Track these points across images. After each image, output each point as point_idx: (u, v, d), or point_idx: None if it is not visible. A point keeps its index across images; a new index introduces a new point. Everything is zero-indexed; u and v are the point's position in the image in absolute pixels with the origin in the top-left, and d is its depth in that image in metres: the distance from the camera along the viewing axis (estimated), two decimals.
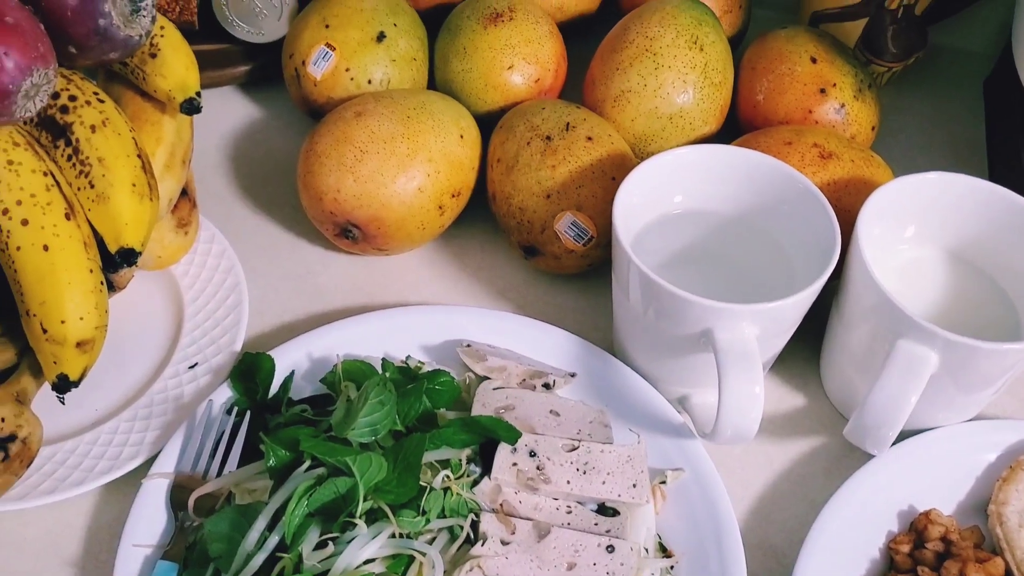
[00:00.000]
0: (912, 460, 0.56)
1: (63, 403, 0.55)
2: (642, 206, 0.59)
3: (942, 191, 0.58)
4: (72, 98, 0.55)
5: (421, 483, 0.50)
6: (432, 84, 0.73)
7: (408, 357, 0.59)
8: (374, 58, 0.69)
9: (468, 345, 0.60)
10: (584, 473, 0.53)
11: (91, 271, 0.52)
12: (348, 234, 0.64)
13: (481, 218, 0.69)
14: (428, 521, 0.50)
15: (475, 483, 0.53)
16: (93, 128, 0.54)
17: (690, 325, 0.53)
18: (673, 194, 0.61)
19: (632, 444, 0.55)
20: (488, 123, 0.69)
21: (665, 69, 0.66)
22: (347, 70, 0.68)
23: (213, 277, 0.65)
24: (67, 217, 0.52)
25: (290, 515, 0.48)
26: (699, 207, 0.61)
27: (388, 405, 0.52)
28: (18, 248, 0.51)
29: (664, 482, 0.55)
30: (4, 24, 0.47)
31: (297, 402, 0.57)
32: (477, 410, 0.56)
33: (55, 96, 0.54)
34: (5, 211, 0.51)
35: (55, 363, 0.52)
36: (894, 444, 0.55)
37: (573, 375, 0.59)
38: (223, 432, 0.56)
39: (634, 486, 0.53)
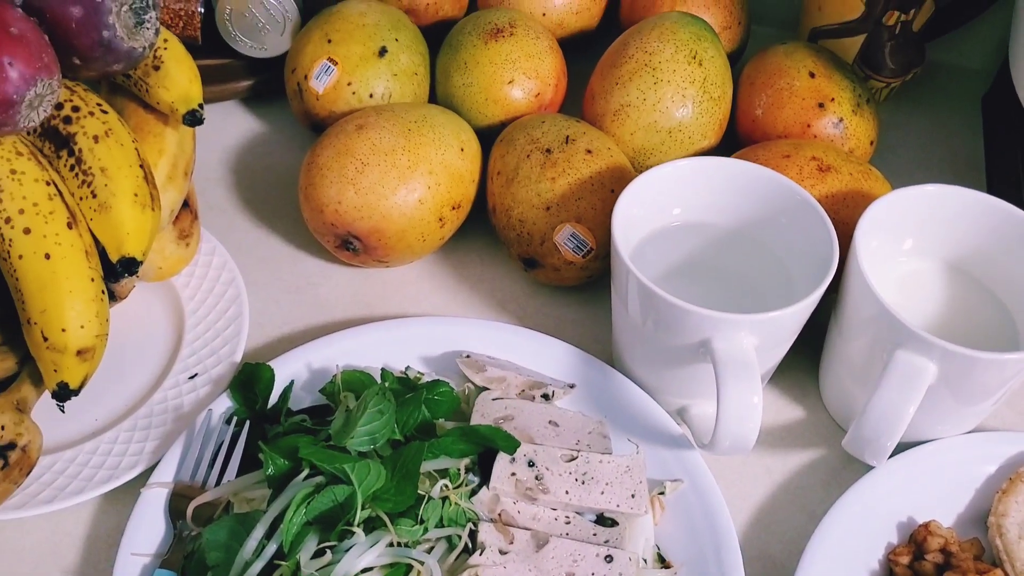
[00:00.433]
0: (912, 472, 0.56)
1: (63, 411, 0.55)
2: (641, 218, 0.59)
3: (939, 203, 0.58)
4: (75, 109, 0.55)
5: (419, 492, 0.50)
6: (433, 98, 0.74)
7: (407, 368, 0.59)
8: (376, 72, 0.69)
9: (467, 356, 0.60)
10: (583, 483, 0.53)
11: (92, 280, 0.52)
12: (349, 246, 0.64)
13: (481, 230, 0.69)
14: (426, 530, 0.50)
15: (473, 492, 0.53)
16: (96, 138, 0.54)
17: (689, 335, 0.53)
18: (672, 206, 0.61)
19: (631, 455, 0.55)
20: (489, 137, 0.69)
21: (664, 84, 0.67)
22: (349, 84, 0.69)
23: (214, 288, 0.65)
24: (69, 226, 0.52)
25: (288, 523, 0.48)
26: (698, 219, 0.61)
27: (387, 414, 0.52)
28: (20, 257, 0.51)
29: (663, 493, 0.55)
30: (9, 35, 0.48)
31: (296, 412, 0.57)
32: (476, 420, 0.56)
33: (58, 107, 0.55)
34: (8, 220, 0.51)
35: (55, 371, 0.52)
36: (893, 456, 0.55)
37: (572, 386, 0.59)
38: (222, 442, 0.56)
39: (633, 496, 0.53)
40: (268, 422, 0.57)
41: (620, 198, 0.57)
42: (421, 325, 0.62)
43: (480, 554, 0.50)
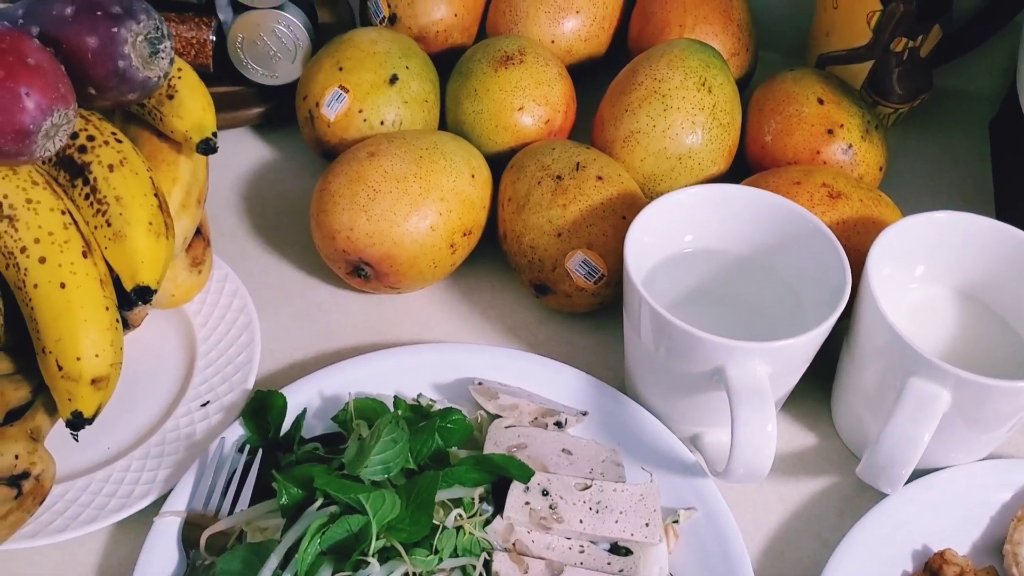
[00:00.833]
0: (926, 499, 0.56)
1: (76, 440, 0.55)
2: (653, 245, 0.59)
3: (950, 230, 0.58)
4: (90, 138, 0.55)
5: (434, 521, 0.50)
6: (444, 125, 0.74)
7: (420, 395, 0.59)
8: (387, 100, 0.70)
9: (480, 383, 0.60)
10: (597, 512, 0.53)
11: (107, 308, 0.52)
12: (360, 272, 0.64)
13: (492, 257, 0.70)
14: (441, 560, 0.50)
15: (488, 522, 0.53)
16: (111, 167, 0.55)
17: (702, 363, 0.53)
18: (684, 233, 0.61)
19: (645, 483, 0.55)
20: (499, 163, 0.69)
21: (674, 111, 0.67)
22: (360, 111, 0.69)
23: (226, 315, 0.65)
24: (84, 255, 0.52)
25: (303, 553, 0.48)
26: (710, 246, 0.61)
27: (401, 443, 0.52)
28: (35, 286, 0.52)
29: (677, 521, 0.55)
30: (26, 65, 0.48)
31: (308, 440, 0.57)
32: (489, 448, 0.56)
33: (74, 136, 0.55)
34: (23, 249, 0.52)
35: (70, 400, 0.52)
36: (908, 483, 0.55)
37: (585, 413, 0.59)
38: (235, 470, 0.56)
39: (647, 525, 0.53)
40: (281, 450, 0.57)
41: (632, 225, 0.57)
42: (433, 352, 0.62)
43: None
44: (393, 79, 0.70)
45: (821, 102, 0.69)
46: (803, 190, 0.63)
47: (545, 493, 0.54)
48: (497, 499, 0.54)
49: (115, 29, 0.51)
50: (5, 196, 0.52)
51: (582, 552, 0.53)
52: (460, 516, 0.51)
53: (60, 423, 0.56)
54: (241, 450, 0.57)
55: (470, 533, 0.51)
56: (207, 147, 0.59)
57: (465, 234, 0.65)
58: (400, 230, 0.62)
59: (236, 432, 0.58)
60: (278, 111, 0.79)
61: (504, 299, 0.69)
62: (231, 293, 0.66)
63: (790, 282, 0.60)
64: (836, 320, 0.53)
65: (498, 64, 0.71)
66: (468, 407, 0.59)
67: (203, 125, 0.59)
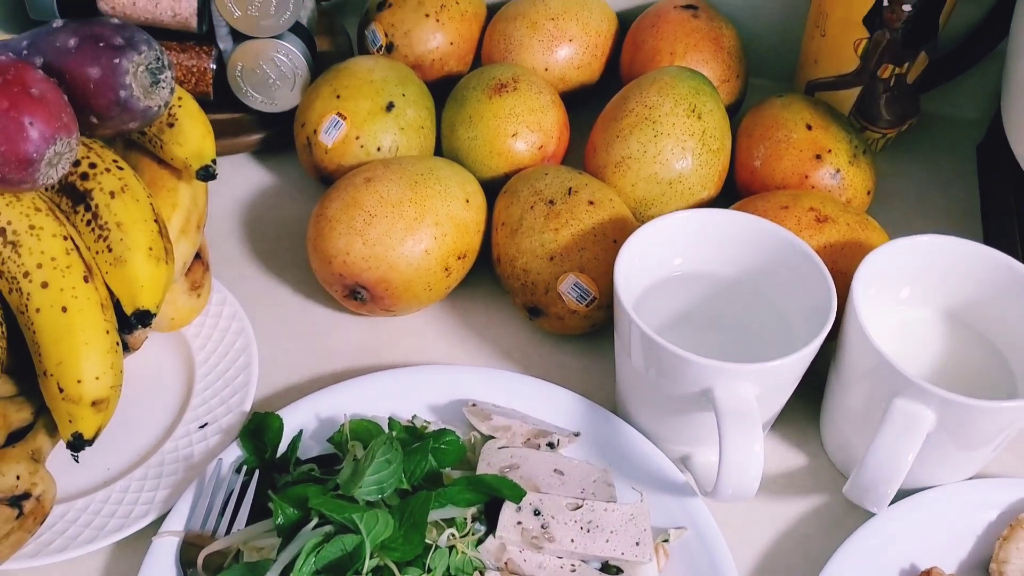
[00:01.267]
0: (913, 518, 0.56)
1: (77, 461, 0.56)
2: (643, 268, 0.60)
3: (935, 253, 0.59)
4: (92, 165, 0.57)
5: (427, 541, 0.51)
6: (439, 151, 0.75)
7: (414, 416, 0.60)
8: (383, 126, 0.71)
9: (473, 404, 0.61)
10: (588, 531, 0.54)
11: (107, 332, 0.53)
12: (356, 296, 0.65)
13: (486, 280, 0.71)
14: None
15: (480, 541, 0.53)
16: (112, 194, 0.56)
17: (691, 384, 0.54)
18: (673, 257, 0.62)
19: (635, 503, 0.56)
20: (493, 188, 0.71)
21: (664, 136, 0.68)
22: (357, 138, 0.71)
23: (224, 338, 0.66)
24: (85, 280, 0.53)
25: (298, 572, 0.48)
26: (699, 269, 0.63)
27: (395, 464, 0.53)
28: (37, 310, 0.53)
29: (667, 540, 0.55)
30: (30, 95, 0.49)
31: (305, 461, 0.58)
32: (482, 469, 0.57)
33: (76, 164, 0.57)
34: (26, 274, 0.53)
35: (70, 422, 0.53)
36: (895, 502, 0.56)
37: (577, 434, 0.60)
38: (232, 491, 0.56)
39: (637, 544, 0.54)
40: (277, 471, 0.57)
41: (622, 249, 0.58)
42: (427, 373, 0.63)
43: None
44: (389, 106, 0.72)
45: (809, 128, 0.71)
46: (791, 214, 0.64)
47: (537, 513, 0.54)
48: (489, 519, 0.54)
49: (117, 60, 0.52)
50: (9, 222, 0.53)
51: (573, 571, 0.53)
52: (453, 536, 0.52)
53: (61, 444, 0.57)
54: (238, 471, 0.57)
55: (463, 552, 0.52)
56: (207, 174, 0.60)
57: (460, 258, 0.67)
58: (396, 254, 0.64)
59: (234, 453, 0.59)
60: (277, 138, 0.80)
61: (498, 322, 0.70)
62: (229, 316, 0.67)
63: (778, 305, 0.61)
64: (822, 342, 0.54)
65: (492, 91, 0.72)
66: (462, 428, 0.59)
67: (203, 152, 0.60)
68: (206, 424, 0.61)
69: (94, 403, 0.53)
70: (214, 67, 0.78)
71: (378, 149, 0.71)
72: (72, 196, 0.56)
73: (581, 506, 0.55)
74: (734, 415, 0.52)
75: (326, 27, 0.87)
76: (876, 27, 0.72)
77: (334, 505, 0.50)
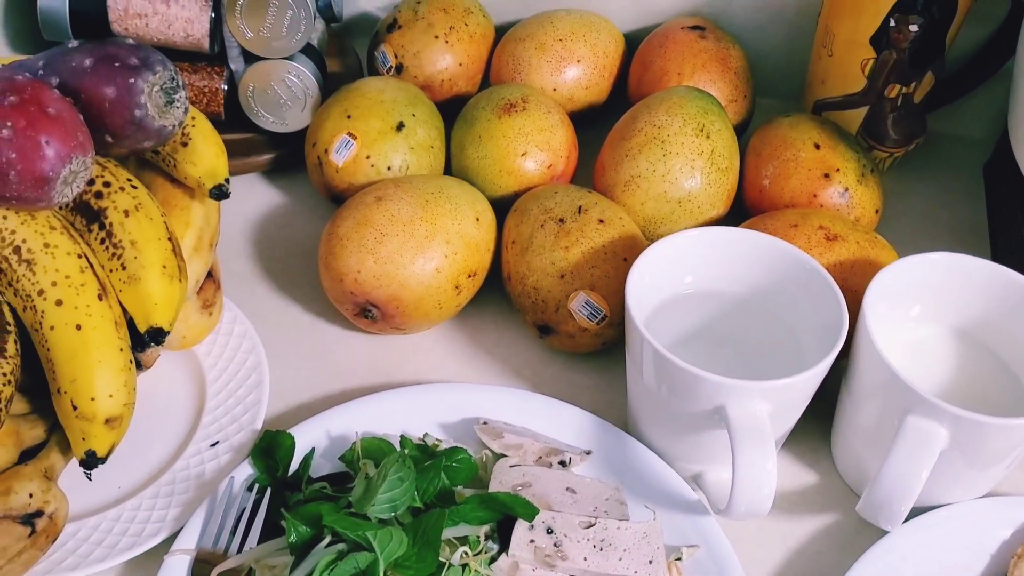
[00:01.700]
0: (927, 537, 0.56)
1: (90, 479, 0.56)
2: (654, 286, 0.60)
3: (946, 271, 0.60)
4: (107, 184, 0.57)
5: (440, 559, 0.51)
6: (449, 171, 0.76)
7: (426, 435, 0.60)
8: (394, 146, 0.72)
9: (485, 423, 0.61)
10: (601, 550, 0.54)
11: (121, 350, 0.54)
12: (367, 314, 0.66)
13: (496, 298, 0.71)
14: None
15: (493, 560, 0.53)
16: (126, 213, 0.56)
17: (703, 402, 0.54)
18: (684, 275, 0.62)
19: (648, 521, 0.55)
20: (503, 207, 0.71)
21: (673, 155, 0.69)
22: (368, 157, 0.71)
23: (235, 356, 0.66)
24: (99, 298, 0.54)
25: None
26: (709, 288, 0.63)
27: (407, 482, 0.53)
28: (52, 328, 0.53)
29: (680, 559, 0.55)
30: (46, 115, 0.50)
31: (316, 479, 0.58)
32: (494, 487, 0.57)
33: (90, 182, 0.57)
34: (40, 292, 0.53)
35: (83, 439, 0.53)
36: (909, 520, 0.55)
37: (589, 452, 0.60)
38: (244, 509, 0.56)
39: (650, 563, 0.53)
40: (289, 489, 0.57)
41: (633, 267, 0.58)
42: (438, 392, 0.63)
43: None
44: (400, 126, 0.72)
45: (817, 147, 0.71)
46: (800, 232, 0.64)
47: (549, 531, 0.54)
48: (502, 537, 0.54)
49: (132, 80, 0.53)
50: (24, 240, 0.54)
51: None
52: (466, 554, 0.52)
53: (73, 462, 0.57)
54: (250, 489, 0.57)
55: (475, 571, 0.52)
56: (219, 193, 0.61)
57: (470, 276, 0.67)
58: (406, 272, 0.64)
59: (245, 471, 0.59)
60: (288, 157, 0.81)
61: (508, 340, 0.70)
62: (241, 335, 0.67)
63: (788, 322, 0.61)
64: (834, 359, 0.54)
65: (502, 111, 0.73)
66: (473, 446, 0.59)
67: (216, 171, 0.61)
68: (217, 442, 0.61)
69: (107, 421, 0.53)
70: (226, 88, 0.79)
71: (388, 168, 0.71)
72: (86, 214, 0.56)
73: (594, 524, 0.55)
74: (747, 432, 0.52)
75: (337, 48, 0.88)
76: (883, 47, 0.73)
77: (348, 523, 0.50)
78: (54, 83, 0.53)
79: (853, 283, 0.61)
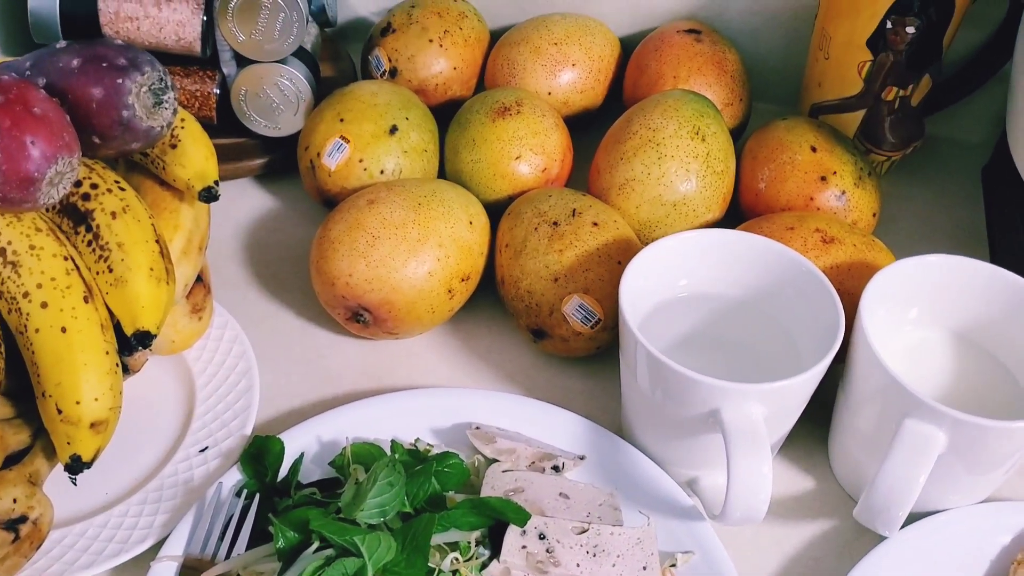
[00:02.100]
0: (925, 542, 0.55)
1: (75, 484, 0.55)
2: (648, 289, 0.60)
3: (943, 273, 0.59)
4: (94, 186, 0.56)
5: (430, 565, 0.50)
6: (443, 175, 0.75)
7: (417, 439, 0.59)
8: (387, 150, 0.71)
9: (477, 427, 0.60)
10: (594, 556, 0.53)
11: (107, 353, 0.53)
12: (359, 318, 0.65)
13: (490, 302, 0.70)
14: None
15: (484, 566, 0.52)
16: (113, 215, 0.55)
17: (698, 406, 0.54)
18: (679, 278, 0.62)
19: (642, 526, 0.55)
20: (497, 211, 0.70)
21: (668, 159, 0.68)
22: (360, 161, 0.71)
23: (225, 361, 0.65)
24: (85, 300, 0.53)
25: None
26: (704, 290, 0.62)
27: (397, 486, 0.52)
28: (36, 330, 0.52)
29: (675, 565, 0.54)
30: (32, 114, 0.49)
31: (306, 485, 0.57)
32: (486, 492, 0.56)
33: (77, 184, 0.56)
34: (26, 294, 0.52)
35: (69, 444, 0.52)
36: (907, 526, 0.55)
37: (582, 457, 0.59)
38: (232, 515, 0.56)
39: (644, 569, 0.53)
40: (278, 495, 0.57)
41: (627, 269, 0.58)
42: (430, 396, 0.63)
43: None
44: (393, 130, 0.71)
45: (814, 150, 0.70)
46: (797, 235, 0.63)
47: (542, 537, 0.54)
48: (494, 543, 0.54)
49: (120, 80, 0.52)
50: (9, 242, 0.53)
51: None
52: (456, 560, 0.51)
53: (59, 468, 0.56)
54: (239, 495, 0.57)
55: None
56: (209, 195, 0.60)
57: (463, 280, 0.66)
58: (399, 276, 0.63)
59: (234, 477, 0.58)
60: (280, 162, 0.80)
61: (502, 344, 0.69)
62: (231, 340, 0.67)
63: (785, 326, 0.60)
64: (830, 363, 0.53)
65: (496, 115, 0.72)
66: (465, 451, 0.59)
67: (205, 174, 0.60)
68: (206, 448, 0.60)
69: (93, 425, 0.52)
70: (218, 92, 0.78)
71: (381, 172, 0.71)
72: (73, 216, 0.56)
73: (587, 530, 0.54)
74: (742, 436, 0.51)
75: (330, 53, 0.88)
76: (880, 50, 0.72)
77: (335, 528, 0.49)
78: (41, 83, 0.52)
79: (850, 286, 0.61)
